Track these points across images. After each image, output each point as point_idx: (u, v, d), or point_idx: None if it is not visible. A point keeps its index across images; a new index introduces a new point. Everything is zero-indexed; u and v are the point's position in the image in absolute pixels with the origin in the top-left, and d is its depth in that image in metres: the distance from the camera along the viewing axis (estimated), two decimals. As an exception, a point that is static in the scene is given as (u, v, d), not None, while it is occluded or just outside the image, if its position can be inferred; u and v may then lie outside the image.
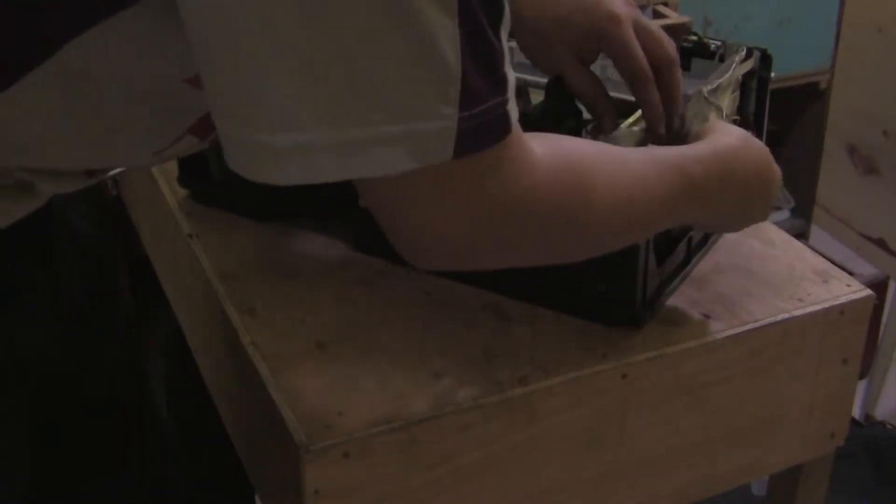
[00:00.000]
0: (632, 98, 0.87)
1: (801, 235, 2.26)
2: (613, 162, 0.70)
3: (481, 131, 0.58)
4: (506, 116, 0.59)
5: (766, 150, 0.83)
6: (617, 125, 0.87)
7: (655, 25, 0.87)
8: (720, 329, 0.85)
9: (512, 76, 0.61)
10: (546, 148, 0.65)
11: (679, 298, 0.88)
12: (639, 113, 0.85)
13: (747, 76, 0.95)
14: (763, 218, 0.85)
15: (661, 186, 0.72)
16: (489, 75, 0.58)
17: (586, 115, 0.88)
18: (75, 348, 0.84)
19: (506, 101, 0.59)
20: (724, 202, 0.79)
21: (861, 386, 1.99)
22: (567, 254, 0.72)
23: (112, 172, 0.76)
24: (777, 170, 0.84)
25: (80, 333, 0.85)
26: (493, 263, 0.69)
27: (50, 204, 0.73)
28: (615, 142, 0.82)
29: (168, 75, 0.63)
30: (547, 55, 0.87)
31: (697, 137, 0.80)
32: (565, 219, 0.66)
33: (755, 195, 0.82)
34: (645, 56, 0.83)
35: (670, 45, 0.86)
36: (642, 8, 1.70)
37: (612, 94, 0.89)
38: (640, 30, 0.84)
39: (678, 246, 0.89)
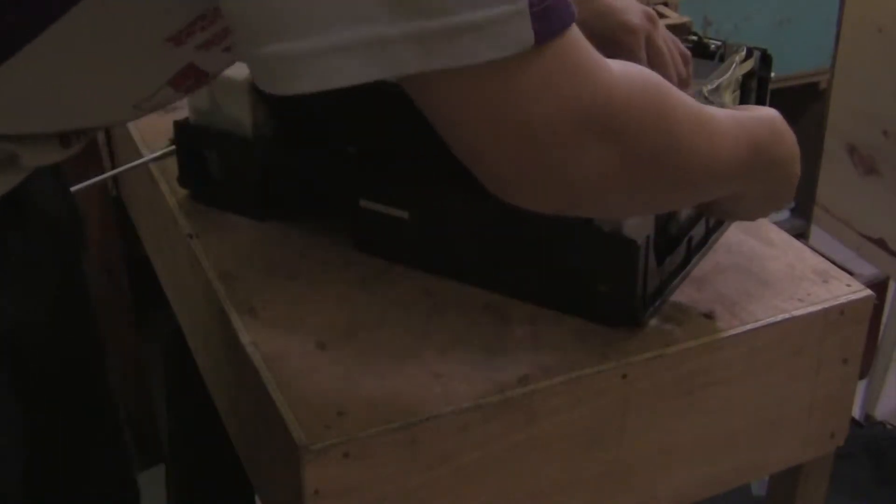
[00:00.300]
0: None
1: (801, 235, 2.26)
2: (691, 102, 0.68)
3: (552, 14, 0.56)
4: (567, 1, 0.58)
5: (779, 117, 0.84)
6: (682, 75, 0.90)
7: (670, 46, 0.88)
8: (720, 329, 0.85)
9: None
10: (618, 65, 0.62)
11: (679, 298, 0.88)
12: None
13: (747, 76, 0.95)
14: (788, 200, 0.85)
15: (737, 140, 0.71)
16: None
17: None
18: (41, 333, 0.84)
19: None
20: (772, 175, 0.79)
21: (861, 386, 1.99)
22: (664, 175, 0.68)
23: (86, 137, 0.76)
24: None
25: (47, 321, 0.85)
26: (598, 179, 0.63)
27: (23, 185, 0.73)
28: None
29: (151, 36, 0.63)
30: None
31: None
32: (657, 133, 0.64)
33: (792, 174, 0.81)
34: None
35: (681, 65, 0.89)
36: (642, 8, 1.69)
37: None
38: (650, 47, 0.85)
39: (678, 246, 0.89)
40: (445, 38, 0.54)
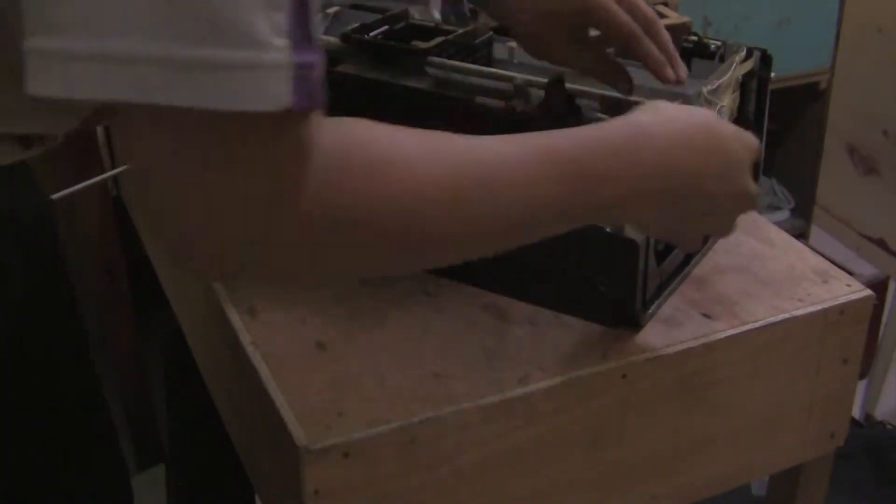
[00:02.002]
0: (636, 98, 0.87)
1: (801, 235, 2.26)
2: (426, 146, 0.59)
3: (310, 86, 0.50)
4: (320, 84, 0.51)
5: (714, 121, 0.72)
6: (632, 86, 0.89)
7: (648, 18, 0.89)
8: (720, 329, 0.85)
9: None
10: (332, 135, 0.55)
11: (679, 298, 0.88)
12: None
13: (747, 76, 0.95)
14: (736, 210, 0.74)
15: (521, 172, 0.61)
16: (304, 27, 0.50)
17: (586, 115, 0.87)
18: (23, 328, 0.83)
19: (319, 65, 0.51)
20: (646, 192, 0.67)
21: (861, 386, 1.99)
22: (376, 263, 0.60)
23: (48, 143, 0.75)
24: (745, 147, 0.73)
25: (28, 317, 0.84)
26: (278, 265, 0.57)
27: None
28: None
29: None
30: (549, 49, 0.90)
31: None
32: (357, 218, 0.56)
33: (699, 183, 0.69)
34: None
35: (648, 9, 0.88)
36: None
37: (612, 94, 0.89)
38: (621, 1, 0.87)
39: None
40: (197, 70, 0.47)
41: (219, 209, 0.52)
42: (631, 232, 0.80)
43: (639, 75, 0.93)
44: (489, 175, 0.60)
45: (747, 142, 0.73)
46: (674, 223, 0.73)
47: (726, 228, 0.77)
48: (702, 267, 0.93)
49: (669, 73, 0.85)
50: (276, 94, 0.48)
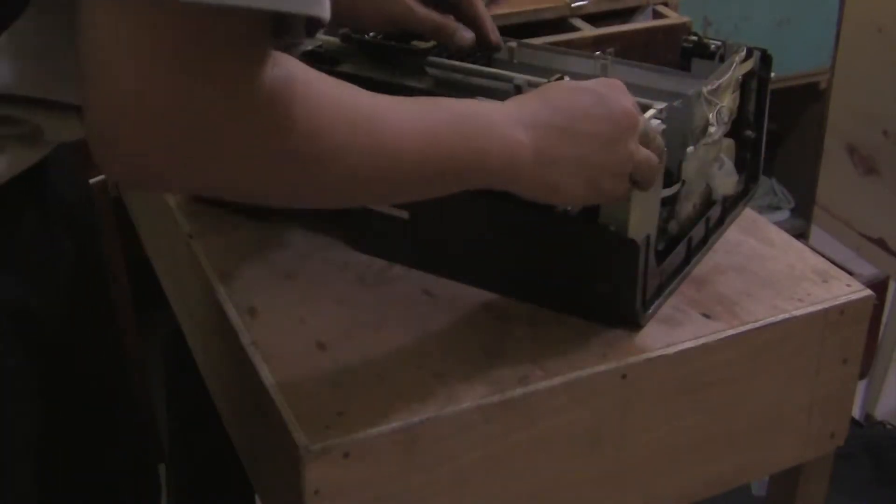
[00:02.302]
0: (636, 99, 0.87)
1: (801, 235, 2.26)
2: (342, 90, 0.64)
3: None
4: None
5: (603, 90, 0.77)
6: (472, 37, 0.93)
7: None
8: (720, 329, 0.85)
9: None
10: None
11: (679, 298, 0.88)
12: (648, 114, 0.85)
13: (747, 76, 0.95)
14: (619, 182, 0.77)
15: (416, 112, 0.67)
16: None
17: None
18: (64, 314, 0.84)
19: None
20: (553, 142, 0.73)
21: (861, 386, 1.99)
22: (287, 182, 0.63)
23: None
24: (626, 112, 0.76)
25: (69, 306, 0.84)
26: (184, 169, 0.58)
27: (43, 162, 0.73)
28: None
29: None
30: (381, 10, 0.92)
31: None
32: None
33: (592, 138, 0.74)
34: None
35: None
36: (642, 8, 1.69)
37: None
38: None
39: (678, 246, 0.89)
40: None
41: (178, 108, 0.53)
42: (631, 232, 0.80)
43: (639, 75, 0.93)
44: (387, 111, 0.65)
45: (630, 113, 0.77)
46: (577, 174, 0.75)
47: (622, 169, 0.77)
48: (702, 267, 0.93)
49: (497, 37, 0.92)
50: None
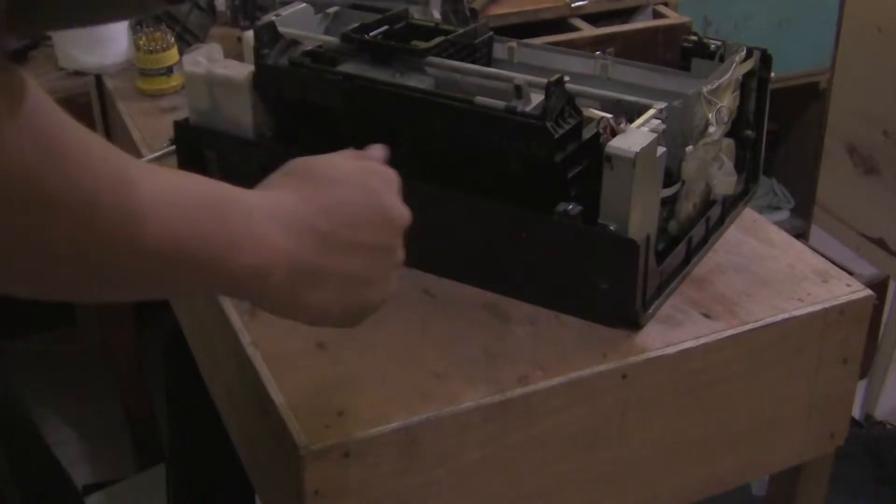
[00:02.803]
0: (636, 98, 0.87)
1: (801, 235, 2.26)
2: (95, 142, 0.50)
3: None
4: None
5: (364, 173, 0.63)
6: None
7: None
8: (720, 329, 0.85)
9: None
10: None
11: (679, 298, 0.88)
12: (648, 114, 0.85)
13: (747, 76, 0.95)
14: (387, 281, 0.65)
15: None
16: None
17: (586, 114, 0.87)
18: None
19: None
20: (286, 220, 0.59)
21: (861, 386, 1.99)
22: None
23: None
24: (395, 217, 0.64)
25: None
26: None
27: None
28: (630, 140, 0.81)
29: None
30: None
31: None
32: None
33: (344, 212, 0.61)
34: None
35: None
36: (642, 8, 1.69)
37: (612, 94, 0.89)
38: None
39: (678, 246, 0.89)
40: None
41: None
42: (631, 232, 0.81)
43: (639, 75, 0.93)
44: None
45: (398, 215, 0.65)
46: (337, 294, 0.63)
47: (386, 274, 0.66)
48: (702, 267, 0.93)
49: None
50: None
